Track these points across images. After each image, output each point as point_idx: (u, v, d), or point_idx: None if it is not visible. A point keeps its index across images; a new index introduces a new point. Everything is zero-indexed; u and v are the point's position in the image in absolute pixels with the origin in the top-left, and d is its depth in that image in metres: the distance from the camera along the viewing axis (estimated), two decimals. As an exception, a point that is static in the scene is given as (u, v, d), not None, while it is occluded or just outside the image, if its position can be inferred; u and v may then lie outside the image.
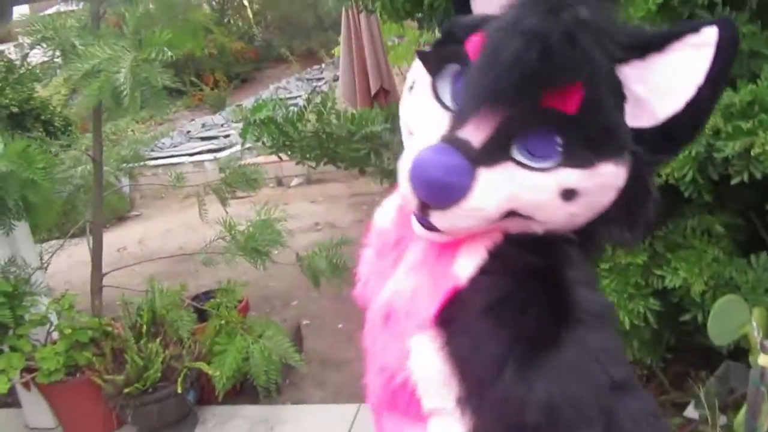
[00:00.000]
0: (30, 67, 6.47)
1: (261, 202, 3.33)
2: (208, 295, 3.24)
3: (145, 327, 2.63)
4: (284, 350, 2.68)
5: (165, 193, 7.13)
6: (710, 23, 0.67)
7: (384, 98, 4.77)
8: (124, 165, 3.35)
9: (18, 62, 7.22)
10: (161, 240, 5.91)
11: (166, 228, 6.25)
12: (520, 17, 0.62)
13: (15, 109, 6.86)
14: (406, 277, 0.77)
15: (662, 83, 0.69)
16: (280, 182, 6.98)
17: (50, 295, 2.94)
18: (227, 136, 7.98)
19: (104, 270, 3.28)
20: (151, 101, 2.42)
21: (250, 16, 11.87)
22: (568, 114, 0.65)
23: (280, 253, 3.14)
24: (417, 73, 0.76)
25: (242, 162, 3.70)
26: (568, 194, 0.68)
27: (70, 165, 3.34)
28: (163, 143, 8.07)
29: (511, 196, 0.68)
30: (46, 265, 3.26)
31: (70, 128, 6.80)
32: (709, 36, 0.67)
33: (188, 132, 8.56)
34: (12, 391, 3.14)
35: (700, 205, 1.94)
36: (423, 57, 0.75)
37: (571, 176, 0.67)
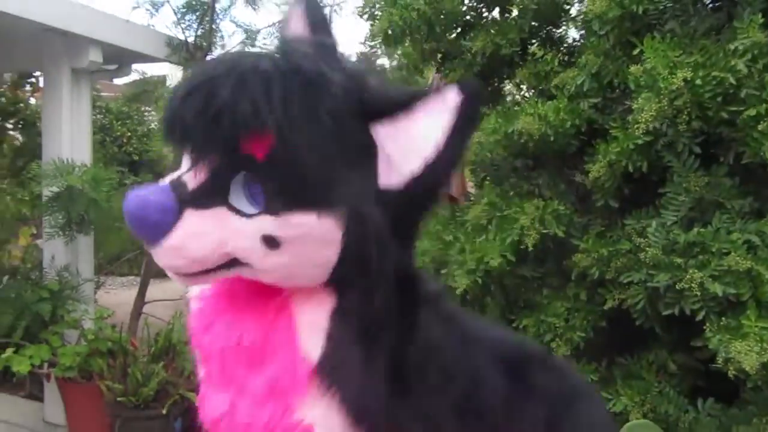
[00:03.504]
0: (157, 125, 7.32)
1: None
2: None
3: (154, 350, 2.90)
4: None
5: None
6: (453, 87, 0.68)
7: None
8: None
9: (151, 118, 8.18)
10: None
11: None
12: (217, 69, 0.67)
13: (136, 158, 7.77)
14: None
15: (409, 143, 0.70)
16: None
17: (93, 306, 3.31)
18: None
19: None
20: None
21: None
22: (259, 160, 0.66)
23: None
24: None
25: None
26: (270, 242, 0.68)
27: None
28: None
29: (221, 241, 0.68)
30: (100, 282, 3.65)
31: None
32: (451, 99, 0.68)
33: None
34: (40, 386, 3.49)
35: (664, 342, 1.99)
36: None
37: (266, 223, 0.67)
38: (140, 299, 3.63)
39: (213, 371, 0.77)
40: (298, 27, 0.77)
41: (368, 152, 0.71)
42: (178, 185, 0.69)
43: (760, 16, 1.72)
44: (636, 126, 1.66)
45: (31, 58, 3.44)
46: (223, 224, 0.68)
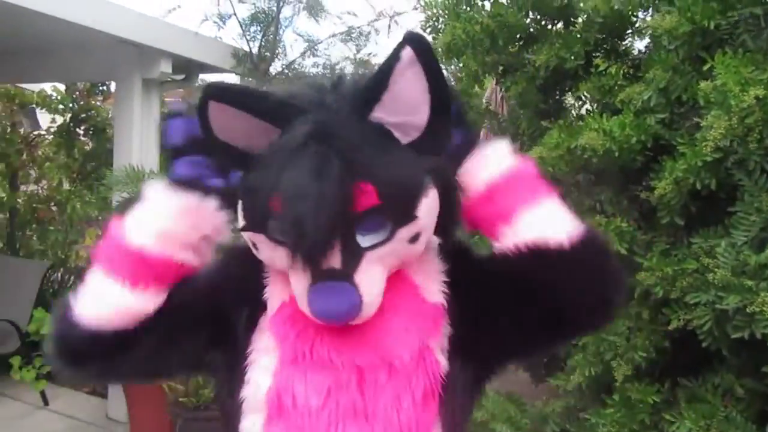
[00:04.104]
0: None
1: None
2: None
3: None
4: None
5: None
6: (402, 44, 0.80)
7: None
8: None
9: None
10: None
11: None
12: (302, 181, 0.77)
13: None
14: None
15: (407, 104, 0.82)
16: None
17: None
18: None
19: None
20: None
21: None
22: (375, 205, 0.80)
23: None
24: (248, 235, 0.88)
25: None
26: (414, 239, 0.85)
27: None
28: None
29: (385, 272, 0.85)
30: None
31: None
32: (408, 55, 0.80)
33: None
34: (105, 385, 3.62)
35: (731, 366, 1.94)
36: (251, 227, 0.86)
37: (405, 233, 0.83)
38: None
39: (310, 356, 0.87)
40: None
41: (385, 134, 0.84)
42: (333, 273, 0.82)
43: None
44: (704, 144, 1.62)
45: (105, 69, 3.60)
46: (376, 263, 0.83)
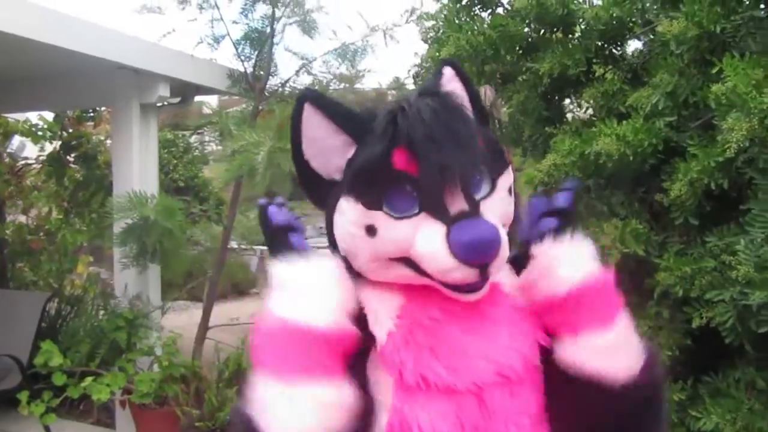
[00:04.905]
0: (201, 152, 7.49)
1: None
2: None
3: (227, 374, 2.96)
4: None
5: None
6: (440, 64, 0.94)
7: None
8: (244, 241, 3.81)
9: (195, 146, 8.37)
10: (273, 318, 6.35)
11: (280, 309, 6.72)
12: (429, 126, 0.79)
13: (182, 184, 7.94)
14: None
15: None
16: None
17: (161, 332, 3.38)
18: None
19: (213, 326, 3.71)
20: (277, 181, 2.87)
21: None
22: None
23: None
24: (364, 220, 0.82)
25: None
26: (510, 191, 0.88)
27: (202, 230, 3.90)
28: (297, 234, 8.75)
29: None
30: (166, 309, 3.74)
31: (220, 207, 7.70)
32: (449, 71, 0.93)
33: (320, 227, 9.23)
34: (111, 413, 3.57)
35: (750, 359, 1.98)
36: (369, 206, 0.82)
37: (503, 181, 0.86)
38: (204, 322, 3.69)
39: (433, 384, 0.82)
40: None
41: None
42: (466, 213, 0.81)
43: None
44: (727, 146, 1.67)
45: (102, 95, 3.58)
46: (490, 213, 0.83)
